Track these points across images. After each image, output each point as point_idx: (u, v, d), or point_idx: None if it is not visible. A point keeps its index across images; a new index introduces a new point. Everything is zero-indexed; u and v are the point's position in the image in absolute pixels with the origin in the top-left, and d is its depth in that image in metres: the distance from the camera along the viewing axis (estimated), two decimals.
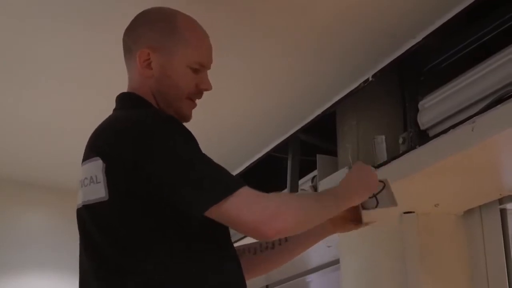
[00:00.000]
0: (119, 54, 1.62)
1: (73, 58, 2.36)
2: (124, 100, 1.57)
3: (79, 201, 1.46)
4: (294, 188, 2.98)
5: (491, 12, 2.05)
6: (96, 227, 1.41)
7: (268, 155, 3.16)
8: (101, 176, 1.38)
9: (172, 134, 1.38)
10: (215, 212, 1.32)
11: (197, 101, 1.58)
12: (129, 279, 1.34)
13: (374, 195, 1.70)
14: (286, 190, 3.02)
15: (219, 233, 1.44)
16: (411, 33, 2.14)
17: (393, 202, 1.69)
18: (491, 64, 2.00)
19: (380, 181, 1.67)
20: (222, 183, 1.33)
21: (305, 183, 2.99)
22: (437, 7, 2.00)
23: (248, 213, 1.31)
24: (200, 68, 1.55)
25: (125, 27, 1.64)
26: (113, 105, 1.60)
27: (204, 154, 1.38)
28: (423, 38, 2.12)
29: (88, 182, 1.41)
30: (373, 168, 1.64)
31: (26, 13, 2.09)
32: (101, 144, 1.43)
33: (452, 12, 2.00)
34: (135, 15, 1.65)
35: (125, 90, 1.61)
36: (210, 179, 1.33)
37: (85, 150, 1.49)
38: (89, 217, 1.43)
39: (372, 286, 2.36)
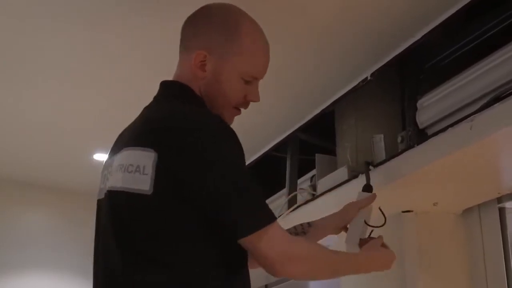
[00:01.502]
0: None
1: (73, 58, 2.36)
2: (179, 90, 1.51)
3: (116, 183, 1.41)
4: (293, 187, 2.99)
5: (490, 10, 2.06)
6: (128, 215, 1.39)
7: (267, 154, 3.17)
8: (150, 169, 1.34)
9: (233, 150, 1.39)
10: (250, 238, 1.34)
11: None
12: (162, 272, 1.33)
13: (372, 227, 1.87)
14: (285, 189, 3.03)
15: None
16: (411, 32, 2.14)
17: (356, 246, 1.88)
18: (490, 63, 2.00)
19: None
20: (266, 211, 1.37)
21: (304, 182, 3.00)
22: (436, 6, 2.01)
23: (271, 249, 1.36)
24: (253, 81, 1.54)
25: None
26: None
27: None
28: (422, 37, 2.13)
29: (134, 169, 1.36)
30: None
31: (26, 13, 2.09)
32: (157, 137, 1.38)
33: (451, 10, 2.00)
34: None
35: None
36: (259, 205, 1.37)
37: (130, 135, 1.45)
38: (125, 204, 1.39)
39: (371, 285, 2.36)
